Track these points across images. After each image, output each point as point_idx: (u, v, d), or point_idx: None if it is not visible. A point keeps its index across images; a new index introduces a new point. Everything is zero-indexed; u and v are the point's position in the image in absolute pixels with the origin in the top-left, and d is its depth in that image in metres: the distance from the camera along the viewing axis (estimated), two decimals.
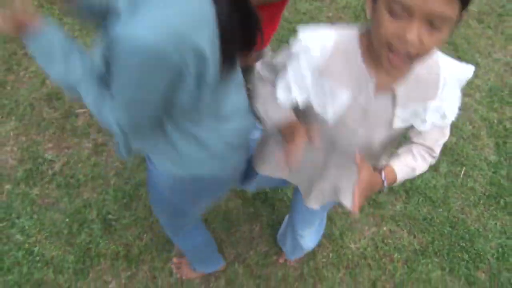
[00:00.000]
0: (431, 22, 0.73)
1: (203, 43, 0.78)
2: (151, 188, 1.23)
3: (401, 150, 1.04)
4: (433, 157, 1.04)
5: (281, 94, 1.00)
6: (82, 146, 2.15)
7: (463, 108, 2.52)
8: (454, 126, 2.42)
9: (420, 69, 0.90)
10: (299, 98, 0.97)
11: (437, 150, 1.03)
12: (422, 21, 0.73)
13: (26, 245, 1.81)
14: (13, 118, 2.23)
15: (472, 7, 3.20)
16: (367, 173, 0.90)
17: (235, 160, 1.12)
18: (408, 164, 1.01)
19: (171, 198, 1.18)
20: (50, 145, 2.15)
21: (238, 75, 1.02)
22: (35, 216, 1.90)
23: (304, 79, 0.94)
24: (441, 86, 0.92)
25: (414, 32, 0.73)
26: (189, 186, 1.11)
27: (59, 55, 0.87)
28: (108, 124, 0.90)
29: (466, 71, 0.93)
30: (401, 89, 0.91)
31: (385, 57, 0.80)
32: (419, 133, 1.00)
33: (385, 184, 0.97)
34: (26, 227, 1.86)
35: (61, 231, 1.86)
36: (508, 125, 2.47)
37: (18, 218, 1.89)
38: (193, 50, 0.77)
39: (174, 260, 1.81)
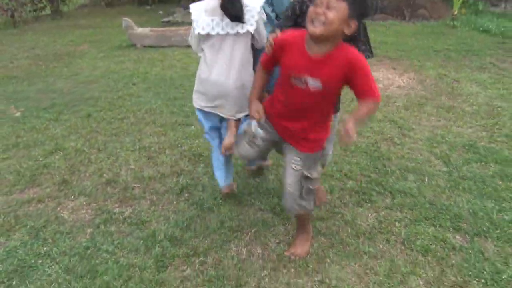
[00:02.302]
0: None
1: None
2: None
3: None
4: None
5: None
6: (141, 203, 2.78)
7: (412, 149, 3.47)
8: (409, 157, 3.31)
9: None
10: None
11: None
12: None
13: (113, 258, 2.26)
14: (82, 196, 2.87)
15: (398, 103, 4.51)
16: None
17: None
18: None
19: None
20: (116, 205, 2.77)
21: None
22: (115, 242, 2.38)
23: None
24: None
25: None
26: None
27: None
28: None
29: None
30: None
31: None
32: None
33: None
34: (110, 250, 2.33)
35: (139, 248, 2.34)
36: (448, 152, 3.39)
37: (102, 245, 2.36)
38: None
39: None
